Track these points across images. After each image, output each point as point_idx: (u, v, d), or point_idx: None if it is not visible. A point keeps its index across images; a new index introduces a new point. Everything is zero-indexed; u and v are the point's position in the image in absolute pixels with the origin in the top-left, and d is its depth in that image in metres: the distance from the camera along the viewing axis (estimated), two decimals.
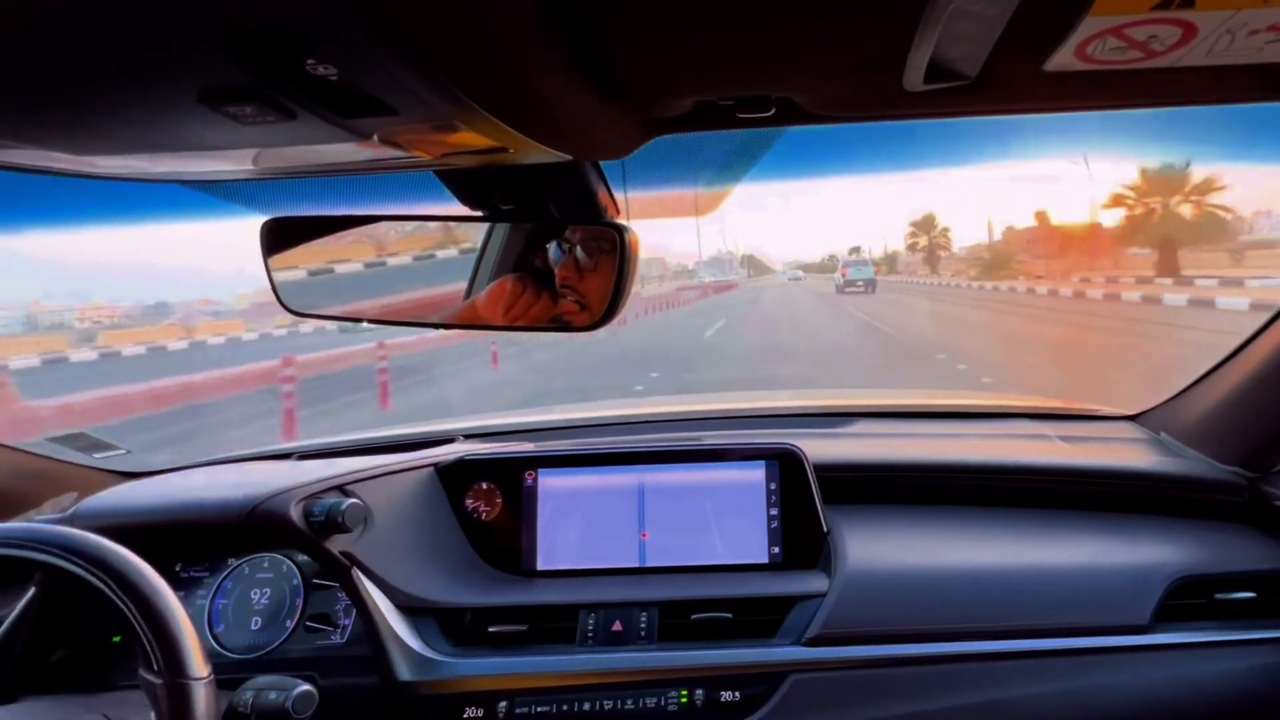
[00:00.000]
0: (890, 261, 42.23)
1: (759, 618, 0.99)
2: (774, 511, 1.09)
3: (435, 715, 0.95)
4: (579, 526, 1.11)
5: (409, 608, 1.00)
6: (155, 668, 0.71)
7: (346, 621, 1.05)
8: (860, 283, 21.09)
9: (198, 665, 0.72)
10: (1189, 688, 0.94)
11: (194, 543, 1.09)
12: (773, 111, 0.66)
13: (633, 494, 1.12)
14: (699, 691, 0.94)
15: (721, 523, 1.10)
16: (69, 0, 0.34)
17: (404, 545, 1.05)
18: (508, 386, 8.16)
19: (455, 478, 1.14)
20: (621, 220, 0.77)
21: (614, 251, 0.74)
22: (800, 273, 46.54)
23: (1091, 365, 7.80)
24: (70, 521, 0.99)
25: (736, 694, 0.93)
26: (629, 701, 0.94)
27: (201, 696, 0.71)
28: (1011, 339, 10.85)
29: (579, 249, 0.76)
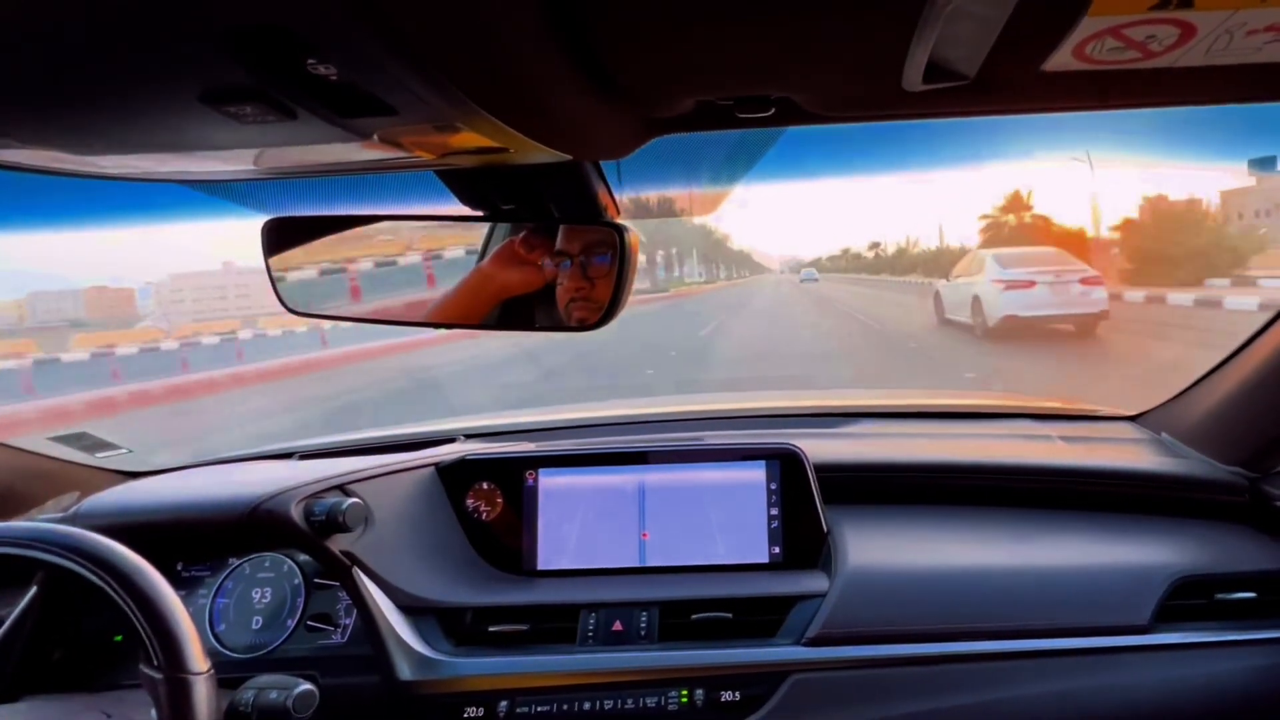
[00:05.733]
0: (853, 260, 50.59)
1: (759, 618, 0.99)
2: (774, 511, 1.09)
3: (436, 715, 0.95)
4: (579, 526, 1.11)
5: (410, 607, 1.00)
6: (155, 663, 0.72)
7: (347, 621, 1.05)
8: (810, 282, 35.34)
9: (197, 660, 0.72)
10: (1189, 688, 0.94)
11: (195, 542, 1.10)
12: (772, 111, 0.66)
13: (633, 494, 1.12)
14: (699, 691, 0.94)
15: (722, 522, 1.10)
16: (71, 1, 0.34)
17: (405, 545, 1.05)
18: None
19: (456, 477, 1.14)
20: (621, 220, 0.77)
21: (614, 252, 0.74)
22: (815, 273, 42.50)
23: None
24: (72, 521, 0.99)
25: (737, 694, 0.93)
26: (629, 701, 0.94)
27: (201, 691, 0.71)
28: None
29: (586, 258, 0.76)
